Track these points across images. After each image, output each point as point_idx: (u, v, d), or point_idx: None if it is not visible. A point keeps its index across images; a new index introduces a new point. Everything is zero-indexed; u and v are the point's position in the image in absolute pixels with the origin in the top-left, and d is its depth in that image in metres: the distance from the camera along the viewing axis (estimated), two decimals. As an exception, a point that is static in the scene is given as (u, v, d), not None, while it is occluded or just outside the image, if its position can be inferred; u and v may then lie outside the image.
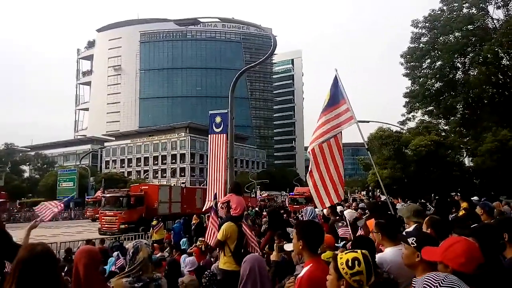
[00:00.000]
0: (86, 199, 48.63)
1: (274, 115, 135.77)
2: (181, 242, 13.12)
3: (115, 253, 11.32)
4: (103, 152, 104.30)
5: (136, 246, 3.04)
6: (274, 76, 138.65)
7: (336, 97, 7.34)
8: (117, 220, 25.24)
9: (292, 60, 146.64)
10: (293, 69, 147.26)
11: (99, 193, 42.54)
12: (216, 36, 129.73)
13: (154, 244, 12.46)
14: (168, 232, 17.66)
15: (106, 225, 25.73)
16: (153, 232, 16.78)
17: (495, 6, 21.97)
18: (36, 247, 2.28)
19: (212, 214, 7.13)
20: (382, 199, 28.58)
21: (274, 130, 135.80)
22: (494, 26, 22.06)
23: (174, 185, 53.33)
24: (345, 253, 2.34)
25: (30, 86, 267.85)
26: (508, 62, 21.47)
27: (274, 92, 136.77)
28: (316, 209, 8.15)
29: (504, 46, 20.07)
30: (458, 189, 25.78)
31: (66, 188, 54.79)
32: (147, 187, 29.40)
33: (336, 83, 7.44)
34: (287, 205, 35.46)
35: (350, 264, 2.23)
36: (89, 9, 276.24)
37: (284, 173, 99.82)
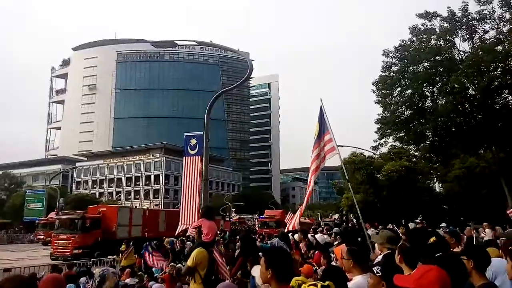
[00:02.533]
0: (37, 221, 46.28)
1: (251, 138, 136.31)
2: (153, 269, 12.78)
3: (83, 279, 10.97)
4: (75, 173, 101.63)
5: (103, 275, 3.00)
6: (251, 99, 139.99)
7: (322, 128, 7.61)
8: (70, 244, 23.57)
9: (269, 84, 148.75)
10: (269, 93, 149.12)
11: (52, 215, 40.64)
12: (194, 58, 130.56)
13: (127, 270, 12.14)
14: (139, 257, 17.18)
15: (58, 250, 23.92)
16: (122, 258, 16.28)
17: (461, 39, 23.12)
18: (19, 277, 2.27)
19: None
20: (355, 222, 28.89)
21: (250, 153, 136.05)
22: (460, 57, 23.14)
23: (136, 207, 51.87)
24: (308, 285, 2.38)
25: (2, 105, 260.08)
26: (474, 92, 22.42)
27: (250, 115, 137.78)
28: (281, 242, 8.21)
29: (469, 77, 21.02)
30: (427, 214, 26.38)
31: (34, 209, 52.83)
32: (105, 208, 27.70)
33: (322, 114, 7.68)
34: (256, 228, 34.41)
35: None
36: (65, 28, 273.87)
37: (260, 196, 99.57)
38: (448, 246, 5.49)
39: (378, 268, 2.73)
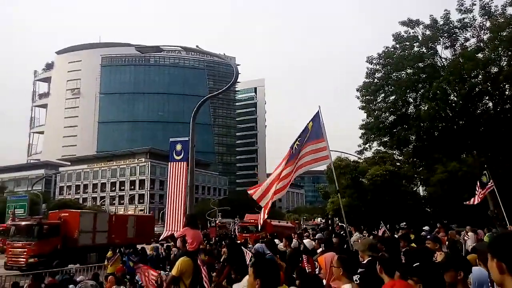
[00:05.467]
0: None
1: (237, 142, 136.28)
2: (137, 276, 12.64)
3: (71, 286, 10.78)
4: (58, 178, 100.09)
5: (81, 288, 2.99)
6: (237, 104, 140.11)
7: (317, 133, 7.62)
8: (25, 253, 21.68)
9: (255, 88, 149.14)
10: (256, 97, 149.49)
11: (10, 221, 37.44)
12: (180, 63, 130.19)
13: (109, 277, 11.99)
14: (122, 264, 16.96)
15: (12, 259, 22.00)
16: (108, 265, 16.08)
17: (443, 46, 23.64)
18: None
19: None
20: (340, 226, 29.08)
21: (237, 157, 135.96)
22: (442, 64, 23.64)
23: (115, 212, 49.86)
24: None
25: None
26: (455, 98, 22.91)
27: (237, 119, 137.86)
28: (263, 245, 8.23)
29: (451, 83, 21.48)
30: (411, 217, 26.70)
31: (19, 216, 51.67)
32: (67, 214, 25.68)
33: (318, 120, 7.72)
34: (236, 233, 32.90)
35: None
36: (48, 31, 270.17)
37: (246, 200, 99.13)
38: (429, 252, 5.60)
39: (357, 277, 2.80)
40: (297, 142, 7.75)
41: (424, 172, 30.61)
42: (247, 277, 3.14)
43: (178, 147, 16.33)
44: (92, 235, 24.90)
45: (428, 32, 23.58)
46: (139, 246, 21.95)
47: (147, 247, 19.39)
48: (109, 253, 16.64)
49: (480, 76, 21.76)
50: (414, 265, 3.71)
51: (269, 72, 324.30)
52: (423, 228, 14.75)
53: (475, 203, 15.63)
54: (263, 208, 8.15)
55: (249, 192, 8.21)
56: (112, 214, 31.89)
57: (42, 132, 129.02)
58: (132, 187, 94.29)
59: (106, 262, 16.60)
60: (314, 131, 7.73)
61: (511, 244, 1.63)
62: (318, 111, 7.83)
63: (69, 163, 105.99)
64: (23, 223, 24.40)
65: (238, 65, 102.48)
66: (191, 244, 6.15)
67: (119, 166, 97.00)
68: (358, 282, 2.74)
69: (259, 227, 7.71)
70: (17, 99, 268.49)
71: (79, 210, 30.10)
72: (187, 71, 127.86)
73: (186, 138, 13.55)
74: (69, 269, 17.88)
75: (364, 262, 4.29)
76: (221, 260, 10.67)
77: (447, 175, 27.82)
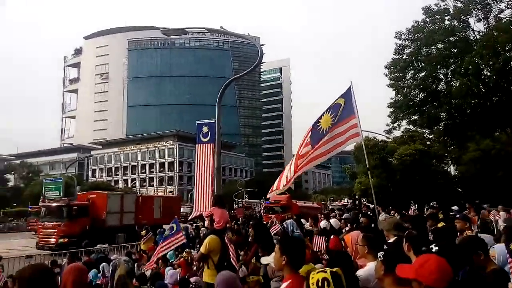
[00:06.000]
0: (29, 209, 44.82)
1: (263, 123, 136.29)
2: (168, 254, 13.06)
3: (104, 264, 11.27)
4: (90, 161, 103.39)
5: (114, 264, 3.13)
6: (262, 85, 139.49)
7: (349, 110, 7.36)
8: (55, 233, 22.20)
9: (280, 68, 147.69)
10: (281, 78, 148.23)
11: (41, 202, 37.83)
12: (205, 44, 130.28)
13: (144, 255, 12.49)
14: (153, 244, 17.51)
15: (43, 239, 22.57)
16: (142, 242, 16.67)
17: (476, 18, 22.55)
18: (38, 266, 2.42)
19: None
20: (371, 207, 28.84)
21: (263, 138, 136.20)
22: (475, 38, 22.62)
23: (142, 194, 50.31)
24: (317, 272, 2.44)
25: (16, 93, 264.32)
26: (488, 73, 21.97)
27: (262, 100, 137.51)
28: (292, 221, 8.26)
29: (484, 58, 20.58)
30: (441, 197, 26.17)
31: (52, 197, 53.89)
32: (95, 195, 26.07)
33: (349, 96, 7.46)
34: (262, 214, 32.26)
35: (320, 284, 2.32)
36: (77, 17, 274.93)
37: (273, 181, 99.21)
38: (455, 232, 5.53)
39: (382, 253, 2.79)
40: (330, 121, 7.46)
41: (455, 150, 29.75)
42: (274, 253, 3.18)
43: (205, 129, 16.50)
44: (120, 216, 25.34)
45: (459, 5, 22.52)
46: (166, 227, 22.69)
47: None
48: (143, 232, 17.23)
49: (515, 50, 20.73)
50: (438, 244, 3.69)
51: (294, 52, 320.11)
52: (452, 207, 14.47)
53: None
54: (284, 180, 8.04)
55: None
56: (139, 196, 32.35)
57: (73, 117, 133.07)
58: (161, 169, 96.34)
59: (141, 240, 17.16)
60: (346, 108, 7.47)
61: None
62: (350, 86, 7.57)
63: (101, 147, 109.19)
64: (53, 204, 25.09)
65: (263, 45, 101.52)
66: (218, 222, 6.30)
67: (148, 149, 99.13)
68: (382, 259, 2.73)
69: (282, 185, 7.39)
70: (49, 85, 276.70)
71: (106, 192, 30.50)
72: (212, 52, 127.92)
73: (212, 120, 13.68)
74: (104, 247, 18.58)
75: (390, 241, 4.26)
76: (249, 240, 10.87)
77: (480, 153, 26.97)
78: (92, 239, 21.45)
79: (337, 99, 7.70)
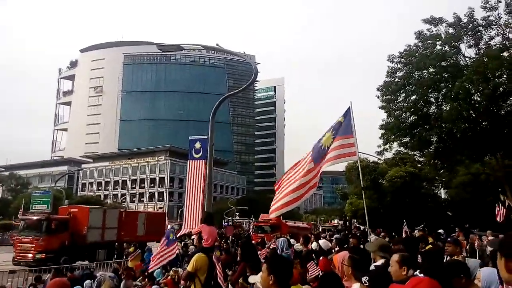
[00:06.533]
0: (13, 222, 43.51)
1: (256, 141, 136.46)
2: (155, 273, 12.84)
3: (87, 281, 11.04)
4: (80, 174, 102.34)
5: (99, 280, 3.08)
6: (256, 103, 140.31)
7: (347, 128, 7.47)
8: (33, 248, 21.07)
9: (275, 87, 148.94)
10: (275, 96, 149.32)
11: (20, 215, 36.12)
12: (200, 61, 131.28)
13: (131, 272, 12.23)
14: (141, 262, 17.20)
15: (20, 254, 21.41)
16: (129, 260, 16.36)
17: (466, 45, 23.02)
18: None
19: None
20: (361, 228, 28.78)
21: (255, 156, 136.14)
22: (466, 63, 23.04)
23: (125, 209, 48.32)
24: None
25: (10, 105, 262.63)
26: (478, 98, 22.31)
27: (256, 118, 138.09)
28: (285, 239, 8.22)
29: (475, 83, 20.94)
30: (431, 220, 26.22)
31: (40, 211, 53.09)
32: (76, 209, 24.88)
33: (349, 116, 7.59)
34: (251, 233, 32.06)
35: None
36: (73, 29, 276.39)
37: (265, 199, 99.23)
38: (441, 254, 5.56)
39: (366, 278, 2.78)
40: (331, 139, 7.55)
41: (445, 174, 29.98)
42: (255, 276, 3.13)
43: (197, 145, 16.47)
44: (101, 232, 24.36)
45: (451, 30, 23.02)
46: (149, 244, 21.68)
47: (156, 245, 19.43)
48: (131, 249, 16.91)
49: (504, 76, 21.09)
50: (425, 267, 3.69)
51: (288, 71, 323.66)
52: (438, 231, 14.50)
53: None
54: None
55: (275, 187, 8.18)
56: (122, 211, 30.86)
57: (66, 129, 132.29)
58: (152, 184, 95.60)
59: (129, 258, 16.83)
60: (344, 126, 7.59)
61: None
62: (349, 106, 7.71)
63: (91, 160, 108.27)
64: (32, 217, 24.11)
65: (258, 63, 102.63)
66: (206, 240, 6.24)
67: (140, 163, 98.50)
68: (367, 284, 2.71)
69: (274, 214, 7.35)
70: (43, 97, 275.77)
71: (88, 206, 29.16)
72: (207, 69, 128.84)
73: (205, 137, 13.68)
74: (90, 264, 18.19)
75: (377, 263, 4.23)
76: (238, 260, 10.76)
77: (470, 177, 27.22)
78: (71, 255, 20.29)
79: (338, 118, 7.82)
